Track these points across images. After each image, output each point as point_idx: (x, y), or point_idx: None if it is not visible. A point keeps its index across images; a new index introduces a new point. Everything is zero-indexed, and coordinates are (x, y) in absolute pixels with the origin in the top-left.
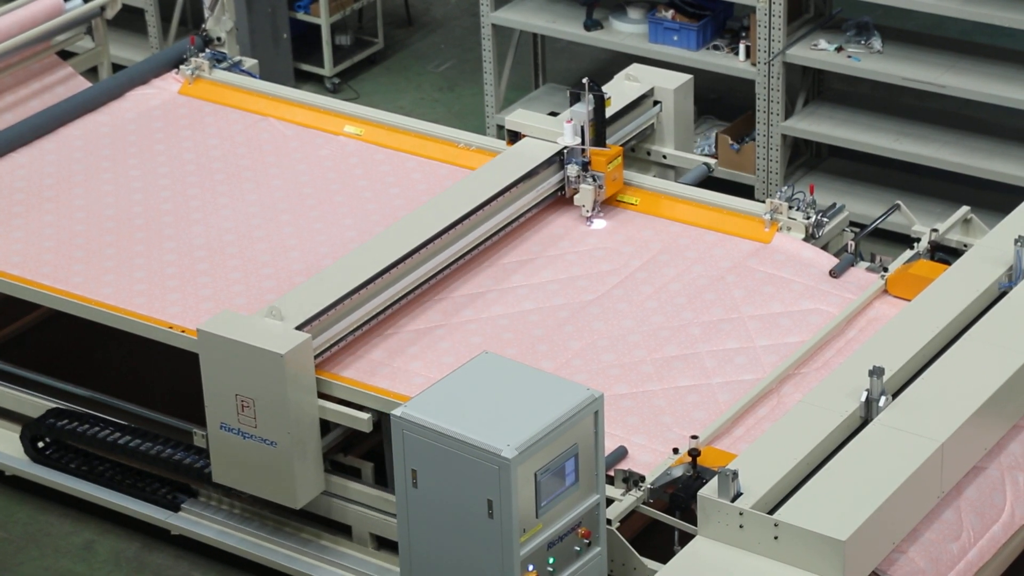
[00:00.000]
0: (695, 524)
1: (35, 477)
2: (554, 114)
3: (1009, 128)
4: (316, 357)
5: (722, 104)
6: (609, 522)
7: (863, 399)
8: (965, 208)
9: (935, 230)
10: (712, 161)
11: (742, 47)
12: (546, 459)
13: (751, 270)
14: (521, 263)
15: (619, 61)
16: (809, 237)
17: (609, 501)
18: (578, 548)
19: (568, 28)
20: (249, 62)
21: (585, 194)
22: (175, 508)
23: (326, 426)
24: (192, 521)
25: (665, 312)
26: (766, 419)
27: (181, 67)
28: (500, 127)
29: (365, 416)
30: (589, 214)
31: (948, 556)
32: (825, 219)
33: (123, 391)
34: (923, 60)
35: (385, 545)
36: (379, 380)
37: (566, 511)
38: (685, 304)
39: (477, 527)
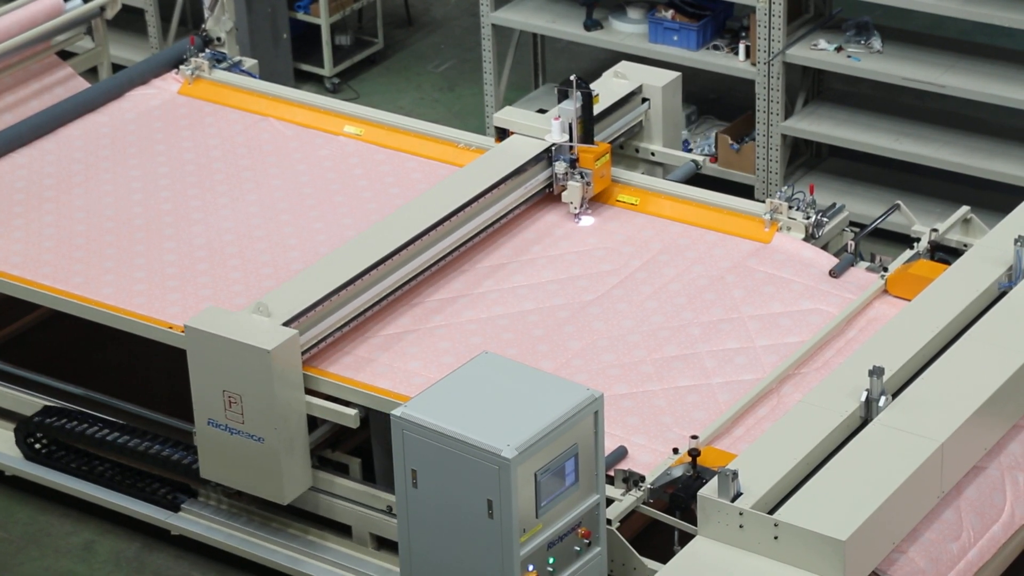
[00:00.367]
0: (695, 524)
1: (35, 477)
2: (543, 111)
3: (1009, 128)
4: (304, 353)
5: (722, 104)
6: (609, 522)
7: (863, 399)
8: (965, 208)
9: (935, 230)
10: (700, 158)
11: (742, 47)
12: (546, 459)
13: (751, 270)
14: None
15: (619, 61)
16: (809, 237)
17: (609, 501)
18: (578, 548)
19: (568, 28)
20: (249, 62)
21: (573, 191)
22: (175, 508)
23: (313, 422)
24: (192, 521)
25: (665, 312)
26: (766, 419)
27: (181, 67)
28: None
29: (352, 412)
30: (577, 211)
31: (948, 556)
32: (825, 219)
33: (123, 391)
34: (923, 60)
35: (385, 545)
36: (379, 380)
37: (566, 511)
38: (685, 304)
39: (477, 527)
